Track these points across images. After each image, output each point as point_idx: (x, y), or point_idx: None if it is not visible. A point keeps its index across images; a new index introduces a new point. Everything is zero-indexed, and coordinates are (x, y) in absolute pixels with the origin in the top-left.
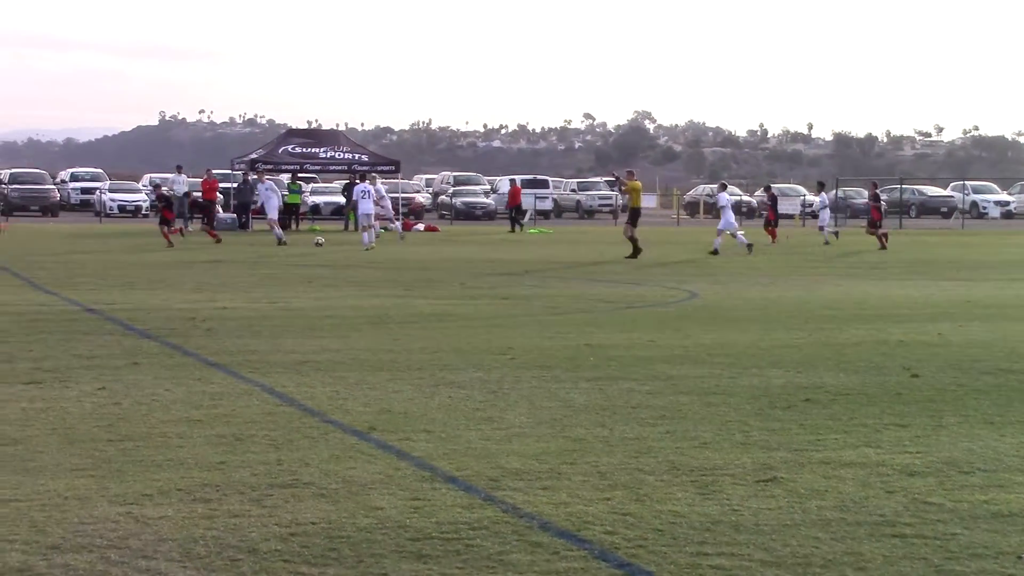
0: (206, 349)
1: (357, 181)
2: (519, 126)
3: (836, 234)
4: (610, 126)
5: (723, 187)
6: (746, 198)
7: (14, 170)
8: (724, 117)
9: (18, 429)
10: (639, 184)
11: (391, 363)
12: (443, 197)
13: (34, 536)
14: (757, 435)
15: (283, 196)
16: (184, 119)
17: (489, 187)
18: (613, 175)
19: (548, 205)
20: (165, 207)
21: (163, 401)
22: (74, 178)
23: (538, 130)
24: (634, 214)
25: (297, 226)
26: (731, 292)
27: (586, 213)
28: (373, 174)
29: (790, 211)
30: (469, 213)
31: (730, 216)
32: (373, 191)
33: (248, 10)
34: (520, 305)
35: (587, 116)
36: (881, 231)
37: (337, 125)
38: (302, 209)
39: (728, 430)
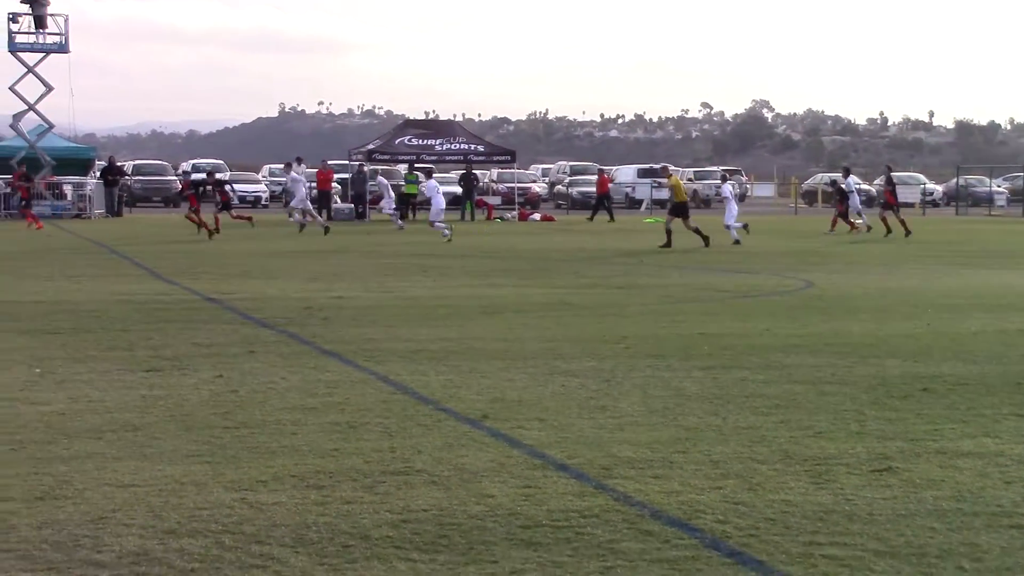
0: (322, 338)
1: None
2: (636, 115)
3: (865, 225)
4: (728, 115)
5: (724, 179)
6: (864, 186)
7: (137, 162)
8: (843, 105)
9: (138, 416)
10: (678, 179)
11: (505, 352)
12: (559, 187)
13: (151, 521)
14: (873, 424)
15: (400, 187)
16: (303, 111)
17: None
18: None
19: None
20: (192, 193)
21: (279, 389)
22: (195, 169)
23: (655, 119)
24: (680, 208)
25: (414, 216)
26: (848, 281)
27: (703, 202)
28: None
29: (910, 199)
30: (585, 203)
31: (733, 208)
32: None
33: (368, 2)
34: (635, 294)
35: (704, 105)
36: (898, 216)
37: (454, 116)
38: (419, 199)
39: (843, 419)
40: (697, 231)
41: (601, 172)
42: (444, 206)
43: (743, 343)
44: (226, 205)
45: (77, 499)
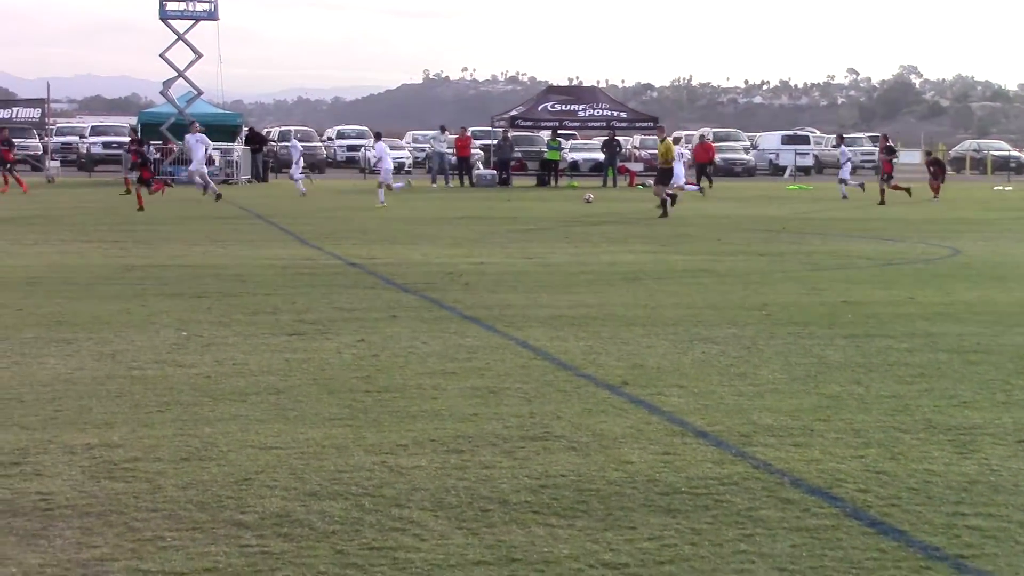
0: (463, 303)
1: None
2: (781, 81)
3: (862, 186)
4: (874, 81)
5: (841, 140)
6: (1015, 153)
7: (284, 128)
8: (994, 70)
9: (281, 379)
10: (670, 143)
11: (645, 318)
12: None
13: (293, 483)
14: (1019, 395)
15: (543, 152)
16: (448, 77)
17: (749, 143)
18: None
19: (809, 161)
20: (143, 164)
21: (419, 354)
22: (340, 136)
23: (800, 85)
24: (664, 174)
25: (556, 182)
26: (996, 249)
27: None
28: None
29: None
30: (728, 170)
31: (847, 169)
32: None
33: None
34: (777, 261)
35: (851, 71)
36: (893, 184)
37: (597, 82)
38: (561, 166)
39: (989, 389)
40: (663, 202)
41: (702, 139)
42: (392, 167)
43: (887, 311)
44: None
45: (221, 460)
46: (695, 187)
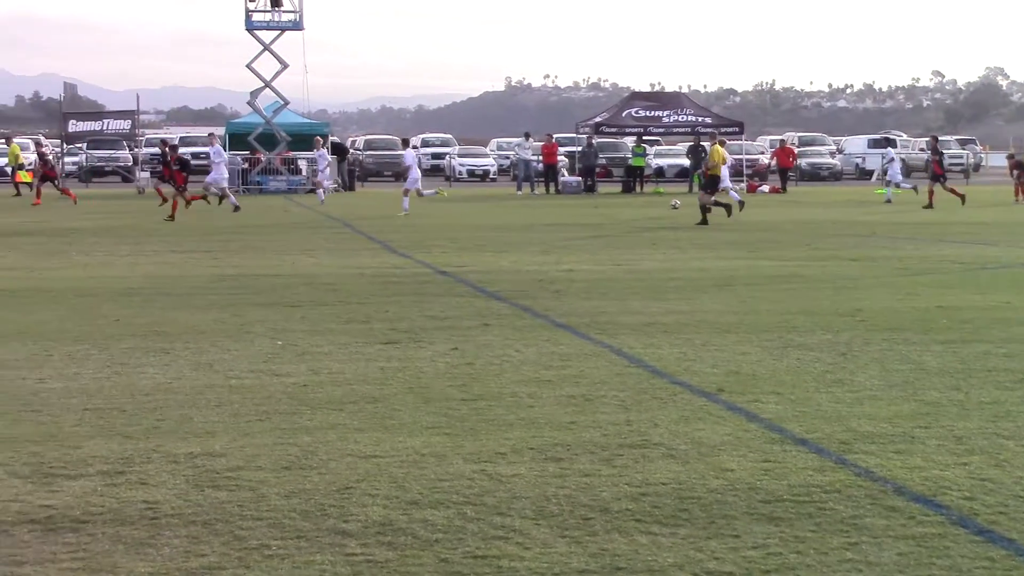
0: (554, 311)
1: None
2: (865, 85)
3: (915, 188)
4: (960, 83)
5: (888, 142)
6: None
7: (369, 137)
8: None
9: (377, 388)
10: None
11: (738, 325)
12: None
13: (394, 491)
14: None
15: (627, 159)
16: (530, 84)
17: (834, 147)
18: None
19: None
20: (179, 168)
21: (514, 361)
22: (425, 143)
23: (884, 89)
24: (712, 181)
25: (641, 189)
26: None
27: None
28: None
29: None
30: (814, 174)
31: (896, 168)
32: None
33: None
34: (868, 266)
35: (936, 73)
36: (948, 187)
37: (680, 87)
38: (646, 172)
39: None
40: (704, 208)
41: (782, 143)
42: (419, 175)
43: (983, 316)
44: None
45: (322, 469)
46: (736, 196)
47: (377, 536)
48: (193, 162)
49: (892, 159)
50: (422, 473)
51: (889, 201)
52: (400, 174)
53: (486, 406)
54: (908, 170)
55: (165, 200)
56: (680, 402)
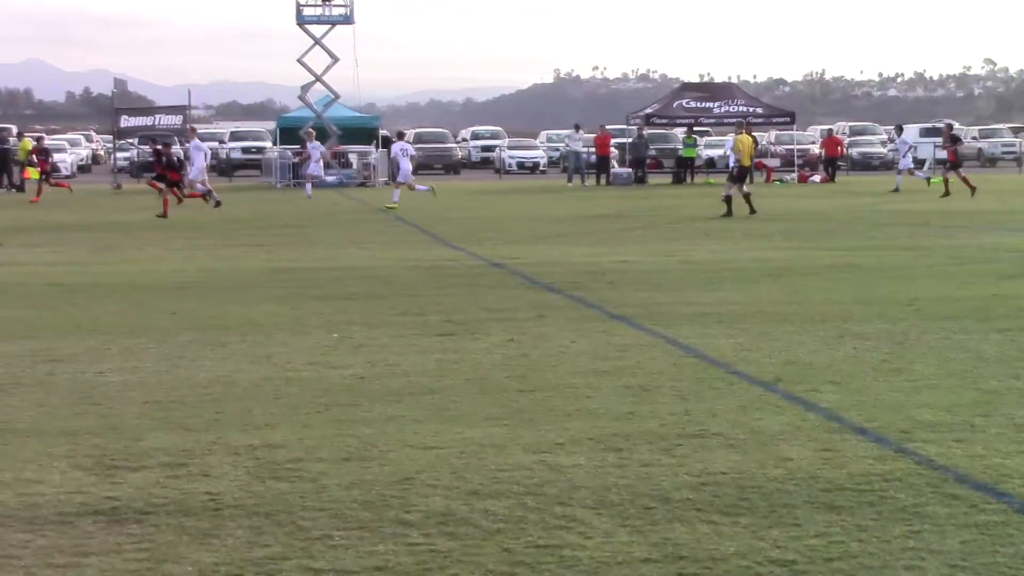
0: (609, 302)
1: (394, 140)
2: (915, 74)
3: (928, 180)
4: (1012, 71)
5: (900, 130)
6: None
7: (418, 130)
8: None
9: (434, 379)
10: (747, 139)
11: (793, 314)
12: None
13: (455, 482)
14: None
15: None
16: (578, 76)
17: (886, 137)
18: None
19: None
20: (169, 167)
21: (570, 353)
22: (475, 136)
23: (935, 77)
24: (742, 171)
25: (692, 179)
26: None
27: (988, 161)
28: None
29: None
30: (866, 163)
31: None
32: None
33: None
34: (923, 255)
35: (988, 61)
36: (962, 175)
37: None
38: (697, 163)
39: None
40: (728, 200)
41: (830, 132)
42: (411, 168)
43: None
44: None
45: (382, 460)
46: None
47: (439, 526)
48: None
49: (911, 147)
50: (482, 463)
51: (897, 190)
52: (450, 167)
53: (544, 397)
54: (961, 159)
55: (180, 199)
56: (738, 392)
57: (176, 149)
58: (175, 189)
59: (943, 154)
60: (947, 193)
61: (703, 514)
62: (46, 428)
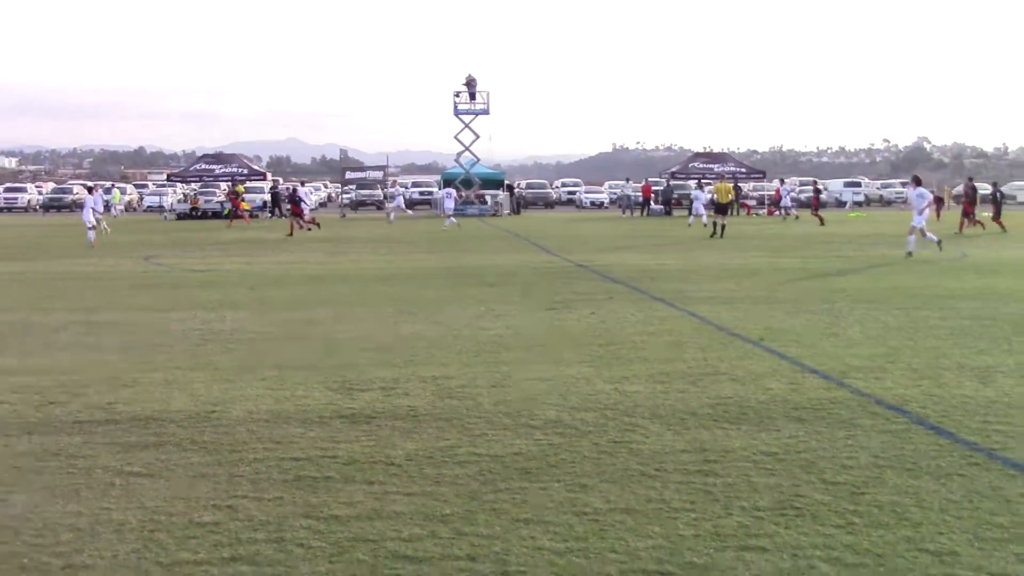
0: (652, 289)
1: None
2: (839, 147)
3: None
4: (901, 146)
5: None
6: None
7: (529, 180)
8: None
9: (544, 337)
10: (724, 186)
11: (768, 298)
12: None
13: (560, 401)
14: (1018, 346)
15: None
16: (626, 147)
17: (822, 186)
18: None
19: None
20: (293, 203)
21: (630, 321)
22: (563, 184)
23: (852, 149)
24: (721, 208)
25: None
26: (992, 254)
27: (886, 203)
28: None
29: None
30: (807, 204)
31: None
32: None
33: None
34: (847, 261)
35: (885, 140)
36: (975, 219)
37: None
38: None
39: (996, 343)
40: (715, 225)
41: (781, 181)
42: (402, 203)
43: (925, 293)
44: (294, 213)
45: (515, 388)
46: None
47: (553, 428)
48: (420, 197)
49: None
50: (578, 390)
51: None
52: (547, 204)
53: (615, 348)
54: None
55: (302, 227)
56: (736, 346)
57: (302, 191)
58: (296, 219)
59: (806, 199)
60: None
61: (717, 423)
62: (309, 364)
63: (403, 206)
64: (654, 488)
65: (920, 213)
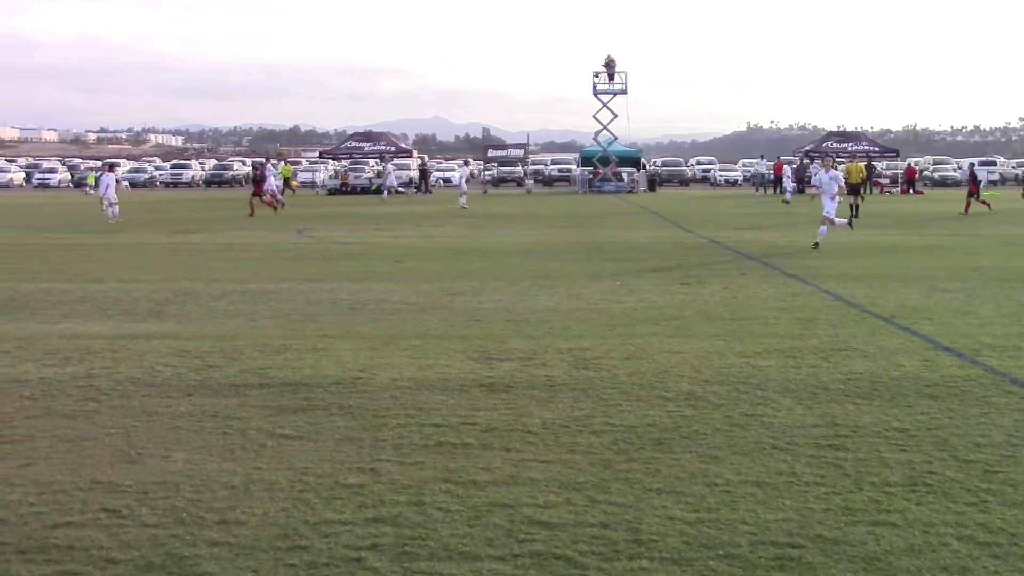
0: (785, 266)
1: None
2: (975, 126)
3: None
4: None
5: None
6: None
7: (664, 158)
8: None
9: (678, 311)
10: (855, 166)
11: (901, 275)
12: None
13: (694, 374)
14: None
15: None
16: (760, 126)
17: (956, 165)
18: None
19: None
20: (255, 182)
21: (761, 296)
22: (698, 163)
23: (987, 128)
24: (853, 188)
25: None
26: None
27: None
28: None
29: None
30: (943, 182)
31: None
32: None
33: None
34: (983, 239)
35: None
36: (977, 198)
37: (856, 127)
38: None
39: None
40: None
41: (909, 164)
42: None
43: None
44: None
45: (649, 360)
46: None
47: (686, 400)
48: (559, 174)
49: (812, 172)
50: (710, 363)
51: (787, 202)
52: (683, 181)
53: (747, 323)
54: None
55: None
56: (868, 323)
57: (270, 169)
58: (255, 197)
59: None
60: (989, 207)
61: (849, 399)
62: (450, 334)
63: (395, 184)
64: (785, 461)
65: (832, 198)
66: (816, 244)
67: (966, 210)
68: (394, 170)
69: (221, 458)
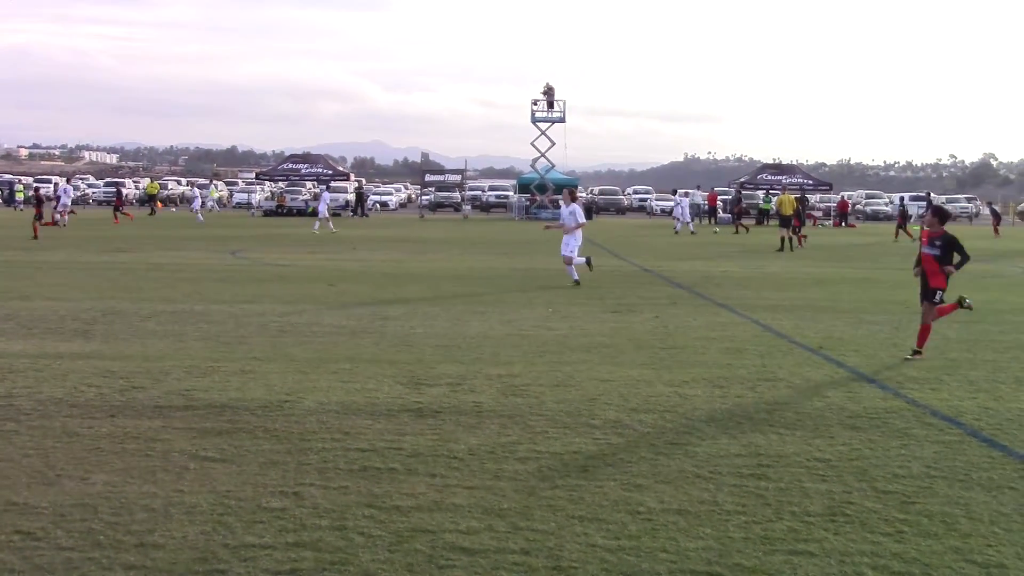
0: (716, 296)
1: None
2: (906, 162)
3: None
4: (967, 162)
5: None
6: None
7: (601, 187)
8: None
9: (608, 339)
10: (786, 198)
11: (830, 307)
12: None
13: (621, 402)
14: None
15: (759, 204)
16: (698, 157)
17: (887, 200)
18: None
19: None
20: (36, 204)
21: (691, 326)
22: (635, 192)
23: (919, 164)
24: (784, 220)
25: (767, 223)
26: None
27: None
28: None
29: None
30: (874, 216)
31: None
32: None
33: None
34: (907, 273)
35: (951, 156)
36: (904, 230)
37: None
38: (770, 213)
39: None
40: (782, 240)
41: (842, 197)
42: (326, 209)
43: (984, 307)
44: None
45: (577, 388)
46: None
47: (612, 428)
48: (497, 200)
49: (683, 203)
50: (638, 392)
51: (677, 232)
52: (619, 210)
53: (676, 352)
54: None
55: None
56: (795, 354)
57: (61, 190)
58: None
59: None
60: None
61: (773, 428)
62: (380, 358)
63: (327, 213)
64: (707, 490)
65: (573, 235)
66: (576, 282)
67: (896, 236)
68: (327, 198)
69: (142, 480)
